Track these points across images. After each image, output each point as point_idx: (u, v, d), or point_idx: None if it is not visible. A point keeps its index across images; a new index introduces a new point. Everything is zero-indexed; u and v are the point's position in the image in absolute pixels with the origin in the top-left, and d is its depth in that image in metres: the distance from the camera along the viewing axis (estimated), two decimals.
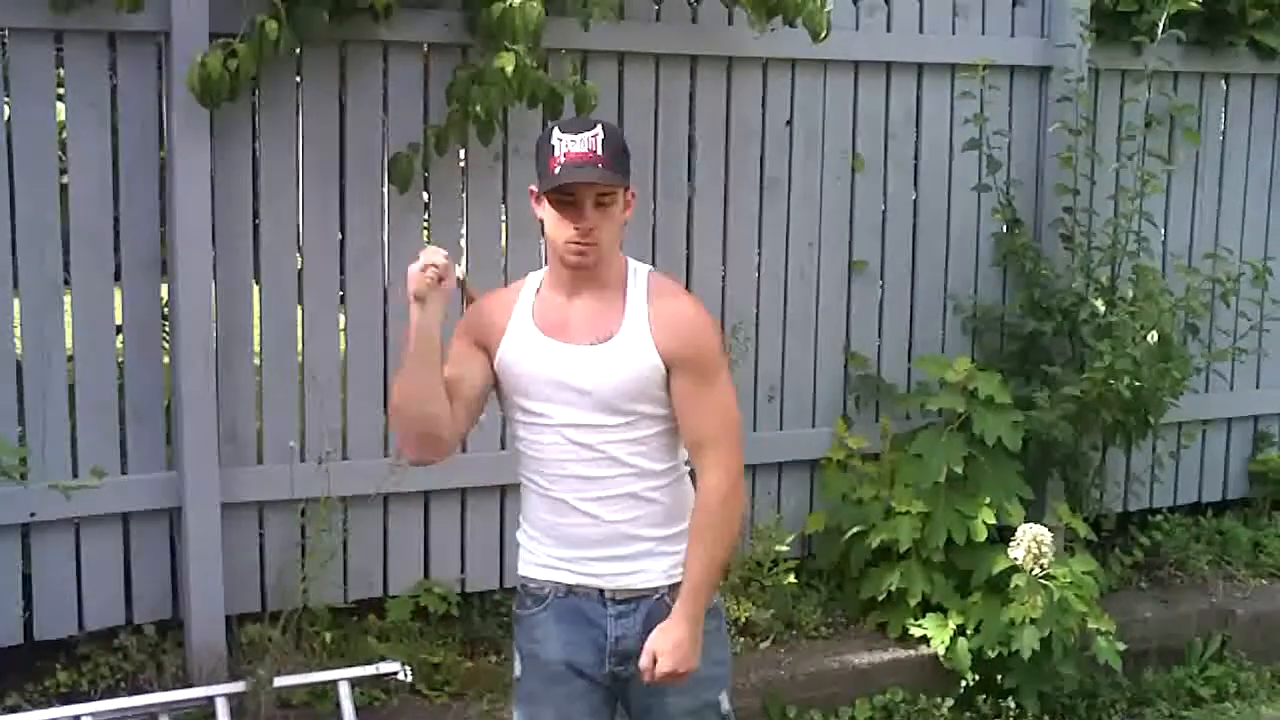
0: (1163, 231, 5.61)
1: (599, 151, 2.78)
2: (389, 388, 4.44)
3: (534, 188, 2.88)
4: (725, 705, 3.07)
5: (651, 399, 2.89)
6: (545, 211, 2.85)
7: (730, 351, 4.89)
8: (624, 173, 2.85)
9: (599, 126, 2.83)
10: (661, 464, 2.94)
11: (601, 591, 2.93)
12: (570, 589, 2.95)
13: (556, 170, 2.78)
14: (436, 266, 2.81)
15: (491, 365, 2.94)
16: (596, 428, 2.87)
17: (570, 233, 2.80)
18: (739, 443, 2.96)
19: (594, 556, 2.92)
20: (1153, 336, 4.99)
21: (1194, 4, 5.15)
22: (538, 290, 2.97)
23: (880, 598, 4.84)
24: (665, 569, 2.94)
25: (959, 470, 4.81)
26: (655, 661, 2.84)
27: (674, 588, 2.92)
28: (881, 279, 5.25)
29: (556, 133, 2.82)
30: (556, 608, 2.95)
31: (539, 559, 2.97)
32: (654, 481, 2.93)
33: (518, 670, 3.03)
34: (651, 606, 2.93)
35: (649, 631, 2.89)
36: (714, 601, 3.01)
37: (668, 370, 2.88)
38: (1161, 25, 5.14)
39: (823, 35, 4.58)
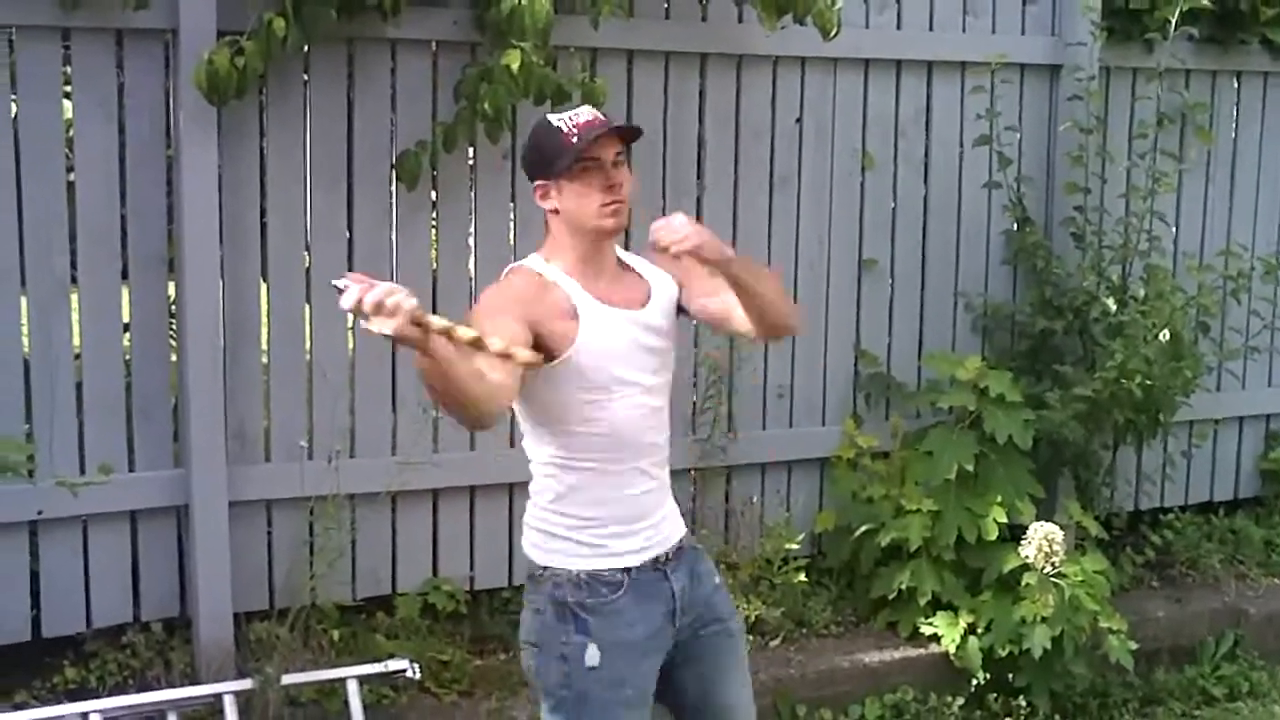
0: (1174, 230, 5.59)
1: (601, 117, 2.90)
2: (397, 386, 4.48)
3: (542, 180, 2.89)
4: None
5: None
6: (567, 191, 2.87)
7: (737, 349, 4.89)
8: None
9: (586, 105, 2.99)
10: None
11: (656, 559, 2.98)
12: (638, 569, 2.96)
13: (575, 140, 2.83)
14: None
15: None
16: (663, 386, 3.00)
17: (603, 195, 2.86)
18: None
19: (653, 522, 2.99)
20: (1164, 335, 4.96)
21: (1205, 2, 5.11)
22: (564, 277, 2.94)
23: (891, 596, 4.81)
24: (679, 514, 3.11)
25: (970, 468, 4.78)
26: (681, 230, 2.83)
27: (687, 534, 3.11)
28: (891, 277, 5.23)
29: (553, 117, 2.90)
30: (633, 590, 2.95)
31: (600, 549, 2.93)
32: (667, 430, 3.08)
33: (593, 660, 2.90)
34: (686, 554, 3.05)
35: (695, 577, 3.03)
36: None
37: (679, 291, 3.06)
38: (1173, 23, 5.12)
39: (833, 33, 4.57)
